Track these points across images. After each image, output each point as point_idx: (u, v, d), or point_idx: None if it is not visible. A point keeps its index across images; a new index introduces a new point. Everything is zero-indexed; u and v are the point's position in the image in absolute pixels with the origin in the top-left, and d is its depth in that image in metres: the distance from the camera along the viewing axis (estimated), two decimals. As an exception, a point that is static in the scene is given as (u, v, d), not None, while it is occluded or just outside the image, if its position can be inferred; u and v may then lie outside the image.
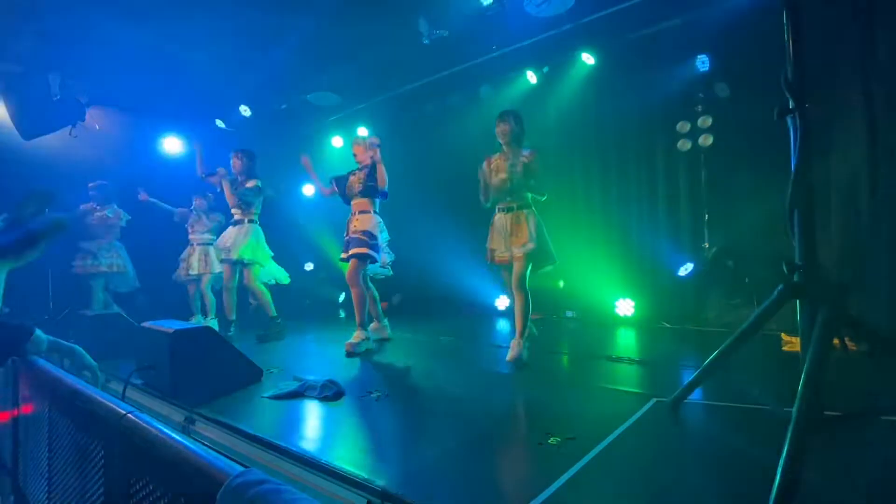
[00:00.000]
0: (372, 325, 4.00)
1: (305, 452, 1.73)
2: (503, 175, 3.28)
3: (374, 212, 3.94)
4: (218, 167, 4.63)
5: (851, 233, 3.37)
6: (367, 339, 3.73)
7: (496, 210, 3.41)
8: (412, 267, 6.14)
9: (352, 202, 3.98)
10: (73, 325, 3.89)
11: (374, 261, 3.79)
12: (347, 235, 3.89)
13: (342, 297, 6.71)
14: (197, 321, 5.08)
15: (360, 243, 3.73)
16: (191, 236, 5.26)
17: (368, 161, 3.89)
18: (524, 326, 3.19)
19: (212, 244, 5.09)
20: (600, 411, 2.25)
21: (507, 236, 3.27)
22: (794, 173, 1.70)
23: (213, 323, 4.95)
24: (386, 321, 4.16)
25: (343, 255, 3.88)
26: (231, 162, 4.53)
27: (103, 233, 5.14)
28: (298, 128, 7.16)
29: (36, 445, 1.56)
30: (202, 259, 5.15)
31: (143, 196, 5.28)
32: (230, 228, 4.58)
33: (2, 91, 4.52)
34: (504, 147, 3.34)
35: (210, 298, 5.13)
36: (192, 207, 5.29)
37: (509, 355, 3.12)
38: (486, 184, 3.39)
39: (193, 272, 5.11)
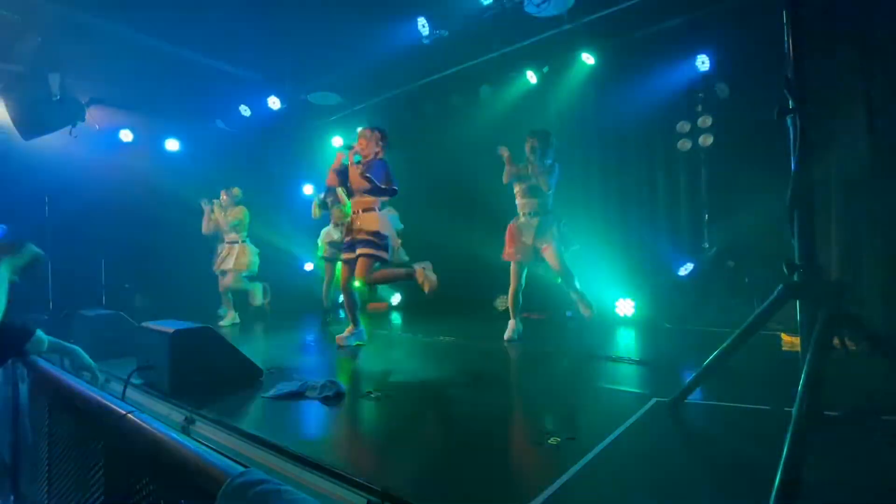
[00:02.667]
0: (349, 328, 3.82)
1: (305, 452, 1.73)
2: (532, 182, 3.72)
3: (379, 209, 3.71)
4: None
5: (851, 233, 3.37)
6: (360, 334, 3.72)
7: (521, 215, 3.84)
8: (410, 267, 6.14)
9: (353, 199, 3.73)
10: (74, 325, 3.89)
11: (383, 261, 3.61)
12: (350, 236, 3.66)
13: (341, 297, 6.71)
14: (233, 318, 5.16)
15: (367, 244, 3.54)
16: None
17: (371, 155, 3.66)
18: (576, 288, 3.84)
19: (237, 243, 5.15)
20: (600, 411, 2.25)
21: (533, 238, 3.72)
22: (794, 173, 1.70)
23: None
24: (362, 326, 3.95)
25: (346, 256, 3.68)
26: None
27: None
28: (298, 128, 7.16)
29: (36, 445, 1.56)
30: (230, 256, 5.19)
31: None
32: None
33: (2, 91, 4.52)
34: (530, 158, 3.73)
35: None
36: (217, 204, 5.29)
37: (584, 313, 3.78)
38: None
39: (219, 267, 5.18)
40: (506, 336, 3.89)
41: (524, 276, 3.90)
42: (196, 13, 4.30)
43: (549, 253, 3.73)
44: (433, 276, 3.49)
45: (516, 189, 3.87)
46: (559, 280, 3.88)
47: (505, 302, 5.58)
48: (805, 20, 1.75)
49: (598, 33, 4.63)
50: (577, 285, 3.83)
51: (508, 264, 3.89)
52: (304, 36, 4.91)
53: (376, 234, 3.57)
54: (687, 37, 4.29)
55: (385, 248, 3.60)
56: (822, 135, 3.36)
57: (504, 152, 3.80)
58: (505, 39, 4.89)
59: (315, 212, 5.21)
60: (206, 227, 5.31)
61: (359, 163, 3.62)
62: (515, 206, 3.91)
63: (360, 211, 3.68)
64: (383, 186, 3.61)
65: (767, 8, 3.59)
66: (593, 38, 4.74)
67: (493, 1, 4.33)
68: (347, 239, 3.72)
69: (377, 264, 3.58)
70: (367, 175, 3.55)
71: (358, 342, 3.80)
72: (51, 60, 4.59)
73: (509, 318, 3.93)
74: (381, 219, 3.66)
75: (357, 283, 3.72)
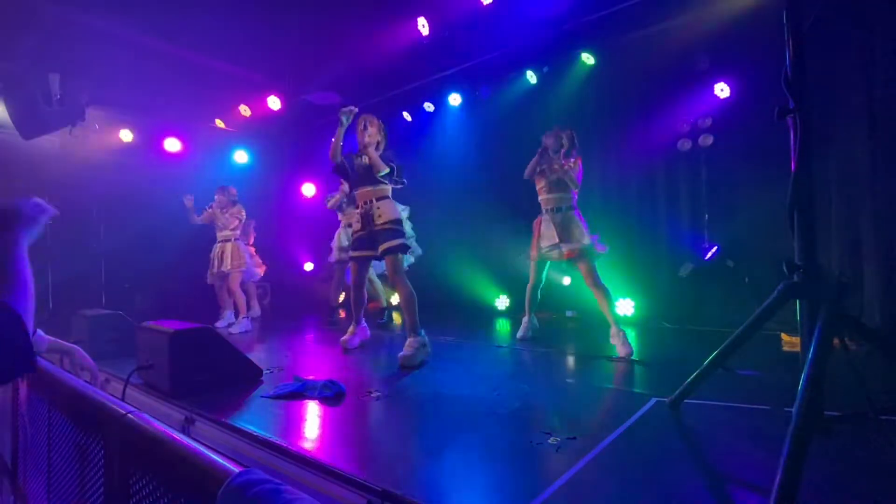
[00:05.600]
0: (350, 329, 3.76)
1: (305, 452, 1.73)
2: (556, 177, 3.56)
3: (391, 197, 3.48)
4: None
5: (851, 233, 3.37)
6: (425, 345, 3.25)
7: (544, 211, 3.66)
8: (411, 267, 6.15)
9: (361, 189, 3.42)
10: (74, 325, 3.89)
11: (406, 249, 3.40)
12: (366, 229, 3.38)
13: (342, 296, 6.71)
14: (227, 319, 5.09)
15: (393, 234, 3.30)
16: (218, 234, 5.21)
17: (375, 145, 3.47)
18: (615, 317, 3.35)
19: (229, 241, 5.10)
20: (600, 411, 2.25)
21: (558, 236, 3.52)
22: (794, 173, 1.70)
23: (244, 322, 4.89)
24: (365, 324, 3.86)
25: (361, 254, 3.44)
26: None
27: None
28: (298, 128, 7.16)
29: (36, 445, 1.56)
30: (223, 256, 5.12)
31: (188, 201, 5.18)
32: None
33: (2, 91, 4.52)
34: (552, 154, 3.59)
35: (240, 296, 5.04)
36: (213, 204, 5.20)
37: (621, 352, 3.20)
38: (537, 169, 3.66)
39: (217, 270, 5.11)
40: (519, 334, 3.93)
41: (544, 273, 3.85)
42: (196, 13, 4.29)
43: (582, 266, 3.46)
44: (419, 356, 3.16)
45: (539, 185, 3.72)
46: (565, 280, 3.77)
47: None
48: (805, 20, 1.74)
49: (598, 33, 4.63)
50: (615, 311, 3.41)
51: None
52: (304, 36, 4.90)
53: (396, 221, 3.34)
54: (687, 37, 4.28)
55: (405, 237, 3.39)
56: (822, 135, 3.36)
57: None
58: (505, 39, 4.89)
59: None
60: (196, 220, 5.17)
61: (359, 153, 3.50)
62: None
63: (375, 199, 3.37)
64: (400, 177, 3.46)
65: (767, 8, 3.62)
66: (593, 38, 4.74)
67: (492, 1, 4.33)
68: (362, 233, 3.41)
69: (401, 256, 3.37)
70: (392, 164, 3.36)
71: (362, 341, 3.81)
72: (51, 60, 4.59)
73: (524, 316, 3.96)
74: (398, 207, 3.47)
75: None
